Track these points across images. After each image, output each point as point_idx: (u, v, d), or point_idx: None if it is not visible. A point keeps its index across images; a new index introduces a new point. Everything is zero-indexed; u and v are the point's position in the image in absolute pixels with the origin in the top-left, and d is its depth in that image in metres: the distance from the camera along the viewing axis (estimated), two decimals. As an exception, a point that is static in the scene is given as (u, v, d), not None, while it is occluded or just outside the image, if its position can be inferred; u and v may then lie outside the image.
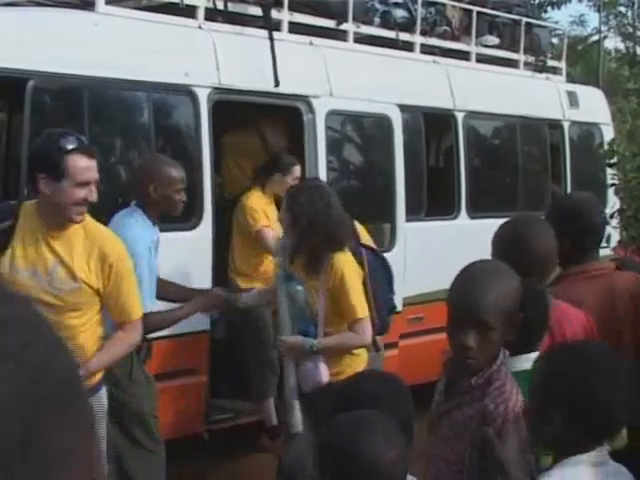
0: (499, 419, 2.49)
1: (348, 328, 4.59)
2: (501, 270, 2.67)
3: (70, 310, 3.82)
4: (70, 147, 3.72)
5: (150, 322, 4.51)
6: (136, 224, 4.47)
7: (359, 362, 4.68)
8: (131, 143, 5.93)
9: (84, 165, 3.74)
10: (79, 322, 3.84)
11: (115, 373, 4.38)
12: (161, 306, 4.74)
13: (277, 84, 6.31)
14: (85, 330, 3.84)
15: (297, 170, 6.41)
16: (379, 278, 5.21)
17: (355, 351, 4.69)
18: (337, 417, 2.30)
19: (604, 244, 4.55)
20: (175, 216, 5.60)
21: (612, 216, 6.94)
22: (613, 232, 6.80)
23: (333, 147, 7.01)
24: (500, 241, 3.28)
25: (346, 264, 4.60)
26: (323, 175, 6.64)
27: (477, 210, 7.90)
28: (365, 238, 5.57)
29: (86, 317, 3.87)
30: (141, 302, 4.33)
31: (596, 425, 2.28)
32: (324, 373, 4.57)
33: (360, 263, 4.89)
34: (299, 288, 4.69)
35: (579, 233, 3.56)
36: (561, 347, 2.64)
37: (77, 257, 3.82)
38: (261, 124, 7.14)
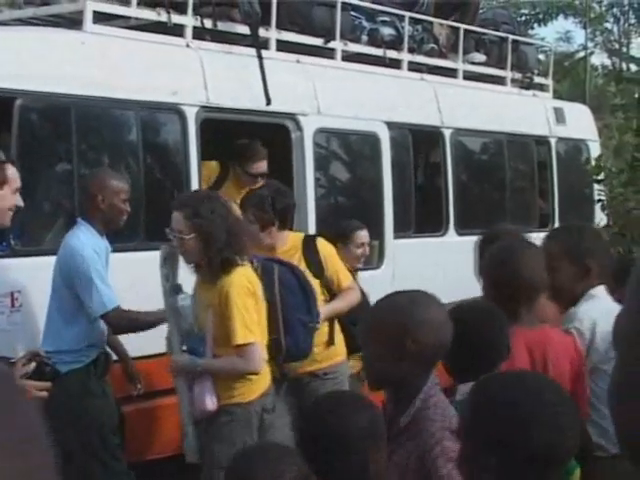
0: (436, 459, 2.37)
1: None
2: (405, 297, 2.62)
3: None
4: (3, 157, 4.12)
5: (125, 318, 4.65)
6: (81, 234, 4.67)
7: (252, 388, 4.30)
8: (119, 162, 5.92)
9: (16, 173, 4.07)
10: None
11: (68, 385, 4.40)
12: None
13: (269, 102, 6.31)
14: None
15: (362, 236, 6.00)
16: (294, 298, 4.80)
17: (250, 376, 4.28)
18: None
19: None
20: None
21: (599, 232, 6.95)
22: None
23: (321, 165, 7.02)
24: (487, 264, 3.25)
25: (235, 283, 4.20)
26: (311, 193, 6.65)
27: (465, 227, 7.91)
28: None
29: None
30: (98, 302, 4.54)
31: (531, 469, 1.98)
32: (210, 400, 4.20)
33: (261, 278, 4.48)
34: (183, 303, 4.36)
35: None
36: (489, 380, 2.20)
37: None
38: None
